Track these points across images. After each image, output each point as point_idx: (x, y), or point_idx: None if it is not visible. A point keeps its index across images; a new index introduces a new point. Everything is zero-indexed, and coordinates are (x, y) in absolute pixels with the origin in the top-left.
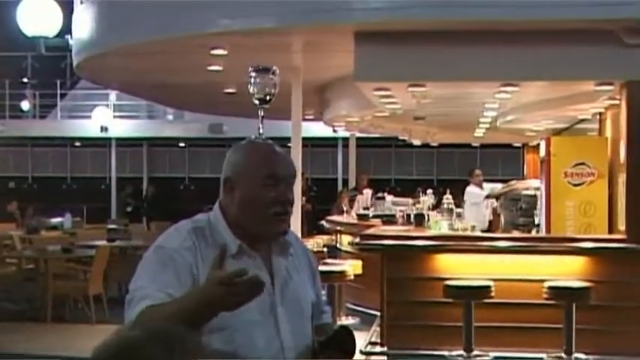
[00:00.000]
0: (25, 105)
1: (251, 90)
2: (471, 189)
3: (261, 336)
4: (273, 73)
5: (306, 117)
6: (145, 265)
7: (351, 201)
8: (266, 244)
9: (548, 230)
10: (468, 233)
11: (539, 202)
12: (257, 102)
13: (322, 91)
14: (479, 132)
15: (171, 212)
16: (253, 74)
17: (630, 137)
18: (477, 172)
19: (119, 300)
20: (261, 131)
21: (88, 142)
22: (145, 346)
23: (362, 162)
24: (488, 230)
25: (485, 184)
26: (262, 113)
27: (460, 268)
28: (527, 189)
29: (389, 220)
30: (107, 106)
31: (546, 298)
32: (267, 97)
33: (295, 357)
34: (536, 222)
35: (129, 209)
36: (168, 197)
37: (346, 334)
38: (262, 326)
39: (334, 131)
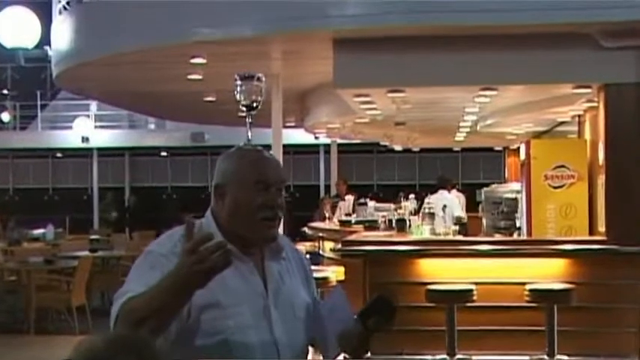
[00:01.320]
0: (6, 116)
1: (237, 97)
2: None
3: (256, 339)
4: (259, 79)
5: (287, 124)
6: (134, 268)
7: (333, 207)
8: (258, 248)
9: (529, 233)
10: (450, 237)
11: (520, 205)
12: (244, 109)
13: (303, 98)
14: (459, 136)
15: (153, 222)
16: (239, 82)
17: (609, 139)
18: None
19: (102, 310)
20: (249, 138)
21: (70, 152)
22: (111, 357)
23: (344, 168)
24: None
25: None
26: (250, 120)
27: (442, 273)
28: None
29: (371, 225)
30: (88, 116)
31: (528, 301)
32: (254, 104)
33: (290, 359)
34: (518, 225)
35: (110, 219)
36: (150, 207)
37: (386, 300)
38: (256, 329)
39: (316, 138)
